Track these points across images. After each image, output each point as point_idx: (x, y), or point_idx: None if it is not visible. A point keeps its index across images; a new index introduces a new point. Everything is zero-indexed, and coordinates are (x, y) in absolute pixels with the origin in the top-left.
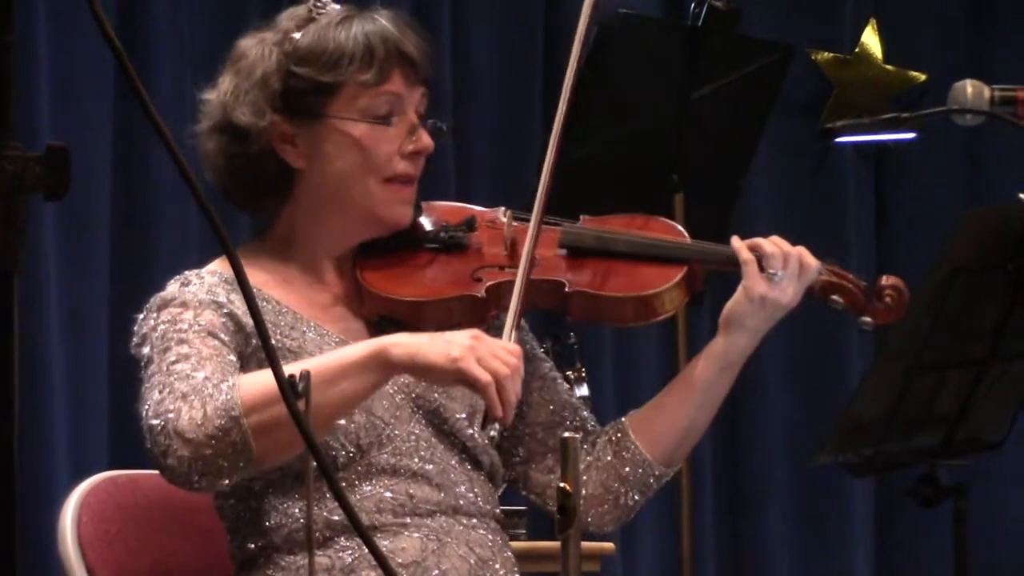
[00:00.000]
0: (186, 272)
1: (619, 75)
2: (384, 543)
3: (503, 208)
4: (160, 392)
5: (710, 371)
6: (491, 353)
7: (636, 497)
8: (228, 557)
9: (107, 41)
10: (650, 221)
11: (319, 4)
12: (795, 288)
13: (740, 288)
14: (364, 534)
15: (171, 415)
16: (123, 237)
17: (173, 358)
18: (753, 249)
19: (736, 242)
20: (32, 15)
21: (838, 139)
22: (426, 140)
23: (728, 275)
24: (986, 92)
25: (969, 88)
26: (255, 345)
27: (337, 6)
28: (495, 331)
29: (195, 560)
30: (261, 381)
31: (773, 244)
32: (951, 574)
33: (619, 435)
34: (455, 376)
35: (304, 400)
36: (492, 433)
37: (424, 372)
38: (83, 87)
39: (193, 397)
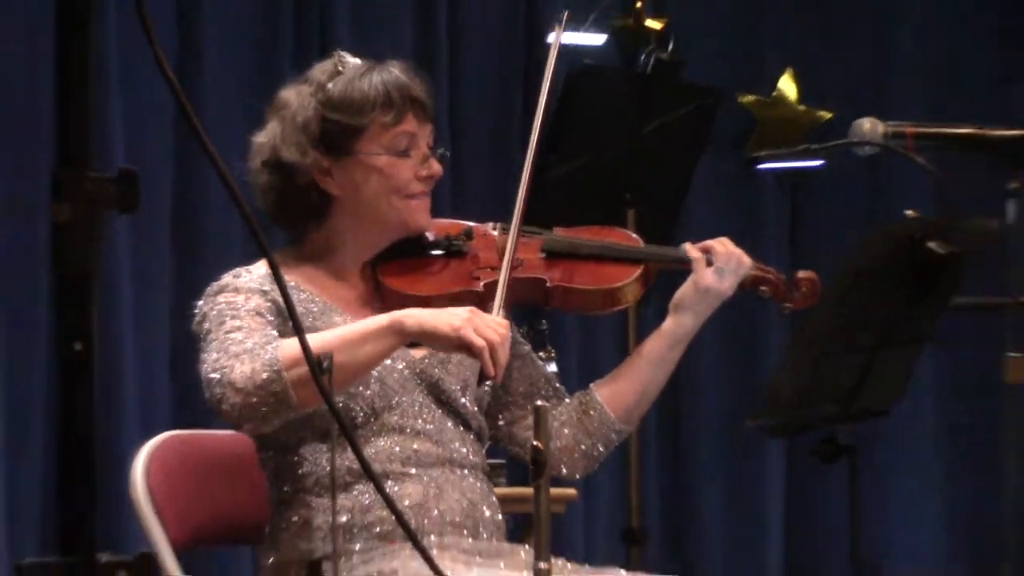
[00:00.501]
0: (238, 268)
1: (585, 113)
2: (393, 488)
3: (491, 223)
4: (217, 353)
5: (662, 347)
6: (485, 324)
7: (600, 448)
8: (267, 503)
9: (166, 80)
10: (612, 231)
11: (343, 59)
12: (732, 281)
13: (689, 280)
14: (375, 480)
15: (226, 370)
16: (181, 240)
17: (228, 329)
18: (704, 250)
19: (688, 246)
20: (106, 52)
21: (760, 166)
22: (436, 167)
23: (672, 275)
24: (880, 127)
25: (867, 124)
26: (291, 327)
27: (357, 60)
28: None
29: (241, 505)
30: (298, 344)
31: (722, 244)
32: (847, 513)
33: (587, 399)
34: (456, 342)
35: (328, 376)
36: (486, 388)
37: (430, 338)
38: (148, 117)
39: (244, 356)
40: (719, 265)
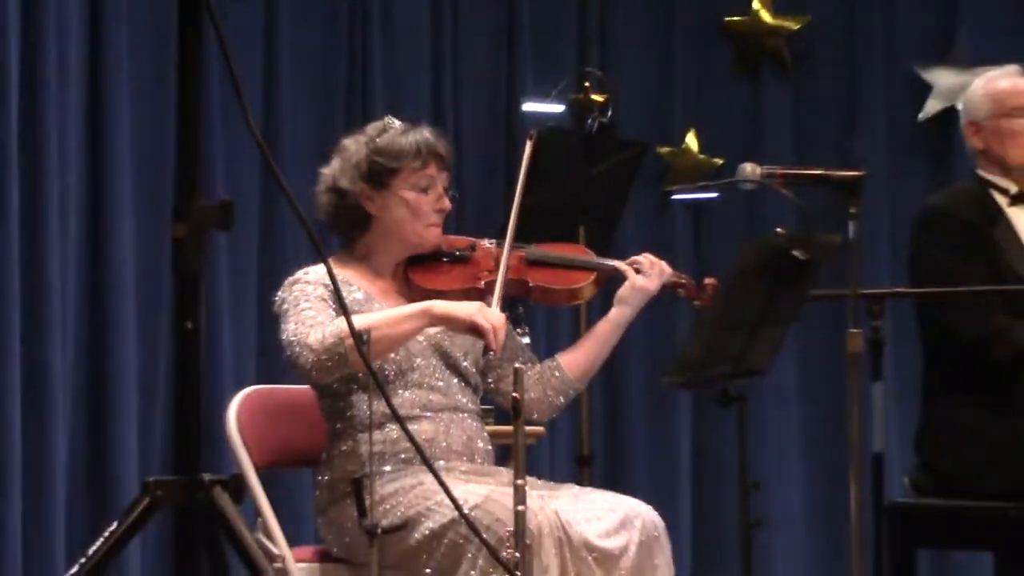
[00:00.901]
0: (306, 267)
1: (550, 162)
2: (413, 427)
3: (488, 239)
4: (295, 324)
5: (608, 329)
6: (491, 314)
7: (561, 400)
8: (323, 436)
9: (249, 128)
10: (575, 247)
11: (390, 122)
12: (656, 282)
13: (627, 282)
14: (400, 421)
15: (302, 335)
16: (263, 250)
17: (301, 308)
18: (632, 263)
19: (619, 262)
20: (209, 101)
21: (673, 197)
22: (447, 204)
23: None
24: (758, 169)
25: (748, 167)
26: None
27: (399, 123)
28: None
29: (306, 440)
30: (354, 322)
31: (647, 258)
32: (736, 445)
33: (553, 364)
34: (470, 324)
35: (367, 346)
36: (490, 355)
37: (451, 321)
38: (240, 157)
39: (317, 327)
40: (645, 271)
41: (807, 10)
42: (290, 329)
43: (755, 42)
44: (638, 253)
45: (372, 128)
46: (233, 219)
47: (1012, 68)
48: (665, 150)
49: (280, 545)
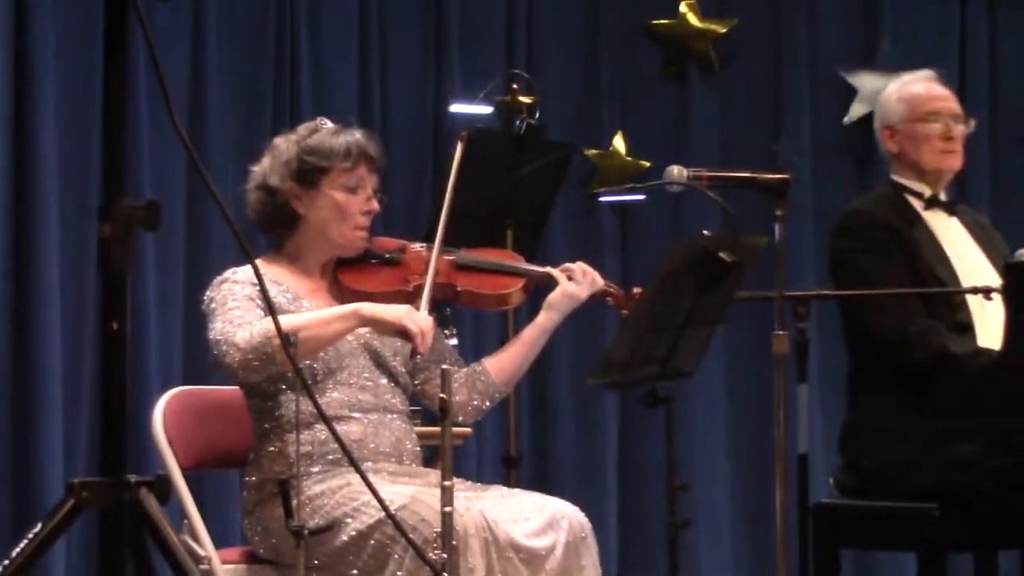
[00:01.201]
0: (234, 267)
1: (478, 163)
2: (341, 427)
3: (419, 243)
4: (223, 323)
5: (534, 334)
6: (419, 317)
7: (487, 404)
8: (250, 437)
9: (176, 129)
10: (507, 253)
11: (322, 122)
12: (587, 291)
13: (558, 288)
14: (327, 421)
15: (230, 334)
16: (190, 249)
17: (229, 307)
18: (565, 270)
19: (553, 269)
20: (137, 102)
21: (600, 199)
22: (376, 206)
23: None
24: (685, 172)
25: (675, 170)
26: (282, 311)
27: (330, 124)
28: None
29: (233, 441)
30: (285, 321)
31: (580, 266)
32: (664, 446)
33: (479, 368)
34: (398, 327)
35: (294, 347)
36: (417, 358)
37: (379, 324)
38: (167, 157)
39: (244, 326)
40: (576, 279)
41: (734, 14)
42: (217, 328)
43: (682, 45)
44: (565, 254)
45: (304, 128)
46: (159, 219)
47: (926, 72)
48: (592, 152)
49: (206, 546)
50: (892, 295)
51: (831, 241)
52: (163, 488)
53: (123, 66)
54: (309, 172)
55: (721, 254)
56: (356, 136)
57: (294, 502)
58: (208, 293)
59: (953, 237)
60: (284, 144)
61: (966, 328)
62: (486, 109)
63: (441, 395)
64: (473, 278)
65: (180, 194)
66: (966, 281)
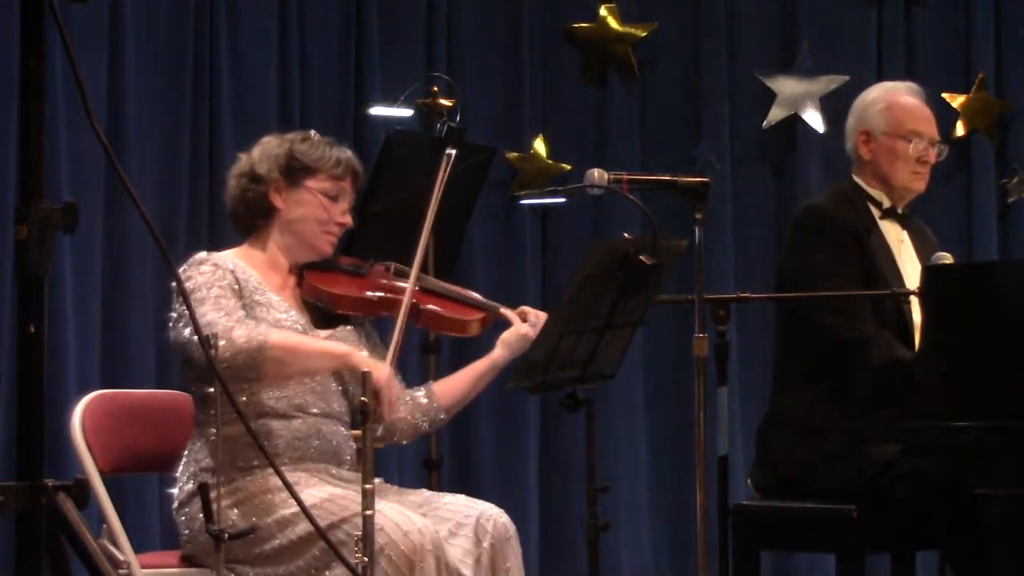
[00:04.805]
0: (205, 252)
1: (398, 165)
2: (284, 423)
3: (386, 264)
4: (216, 312)
5: (486, 368)
6: (395, 388)
7: (426, 426)
8: (175, 444)
9: (94, 130)
10: (471, 292)
11: (313, 133)
12: (536, 331)
13: (513, 328)
14: (248, 425)
15: (229, 328)
16: (107, 252)
17: (216, 294)
18: (521, 313)
19: (508, 311)
20: (54, 103)
21: (521, 202)
22: (350, 221)
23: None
24: (605, 175)
25: (596, 173)
26: (244, 298)
27: (319, 136)
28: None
29: (153, 445)
30: (282, 336)
31: (533, 311)
32: (584, 448)
33: (426, 390)
34: (376, 387)
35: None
36: (379, 431)
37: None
38: (86, 158)
39: (242, 325)
40: (532, 322)
41: (654, 18)
42: (211, 314)
43: (602, 49)
44: (486, 256)
45: (296, 132)
46: (77, 221)
47: (912, 86)
48: (513, 155)
49: (125, 551)
50: (845, 296)
51: (790, 233)
52: (81, 492)
53: (40, 67)
54: (298, 169)
55: (641, 257)
56: (347, 152)
57: (213, 506)
58: (186, 270)
59: (904, 250)
60: (275, 140)
61: (907, 337)
62: (406, 112)
63: (362, 398)
64: (437, 301)
65: (98, 197)
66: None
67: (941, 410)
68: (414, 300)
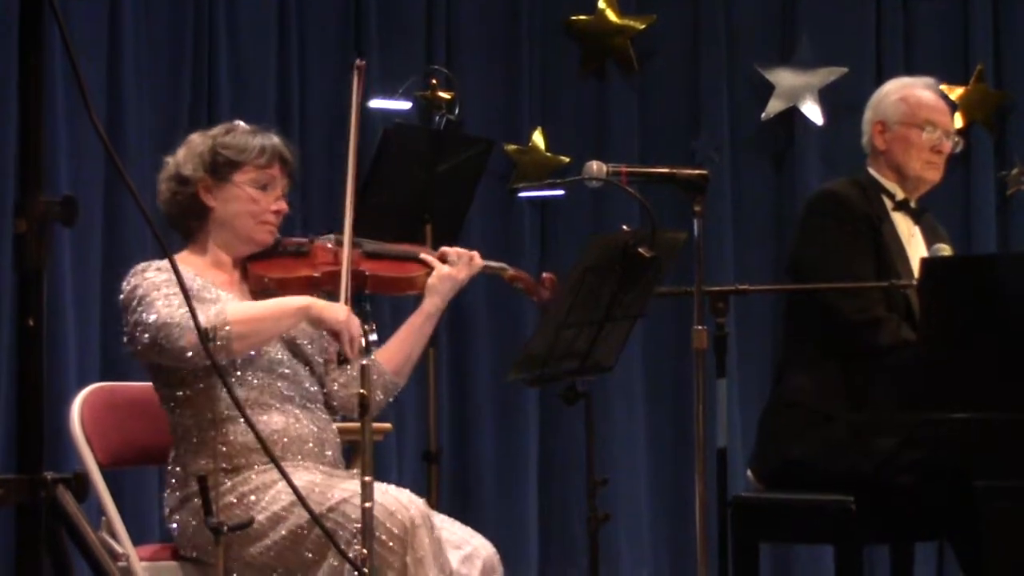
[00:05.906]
0: (147, 261)
1: (397, 158)
2: (263, 417)
3: (328, 235)
4: (167, 308)
5: (419, 320)
6: (355, 324)
7: (381, 396)
8: (168, 433)
9: (93, 125)
10: (414, 245)
11: (238, 124)
12: (465, 272)
13: (434, 271)
14: (249, 420)
15: (184, 317)
16: (107, 246)
17: (165, 293)
18: (441, 255)
19: (428, 255)
20: (53, 99)
21: (520, 195)
22: (285, 207)
23: None
24: (604, 168)
25: (594, 165)
26: (193, 297)
27: (246, 125)
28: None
29: (151, 438)
30: (240, 308)
31: (454, 249)
32: (583, 440)
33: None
34: (336, 328)
35: (216, 344)
36: (347, 366)
37: (322, 323)
38: (85, 153)
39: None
40: (452, 261)
41: (652, 10)
42: (163, 313)
43: (601, 41)
44: (485, 249)
45: (220, 127)
46: (76, 215)
47: (928, 80)
48: (512, 148)
49: (124, 543)
50: (844, 288)
51: (803, 216)
52: (81, 485)
53: (39, 61)
54: (222, 165)
55: (640, 249)
56: (273, 138)
57: (212, 499)
58: (130, 281)
59: (914, 243)
60: (199, 138)
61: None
62: (405, 104)
63: (361, 390)
64: (379, 264)
65: (97, 191)
66: None
67: (939, 402)
68: (358, 267)
